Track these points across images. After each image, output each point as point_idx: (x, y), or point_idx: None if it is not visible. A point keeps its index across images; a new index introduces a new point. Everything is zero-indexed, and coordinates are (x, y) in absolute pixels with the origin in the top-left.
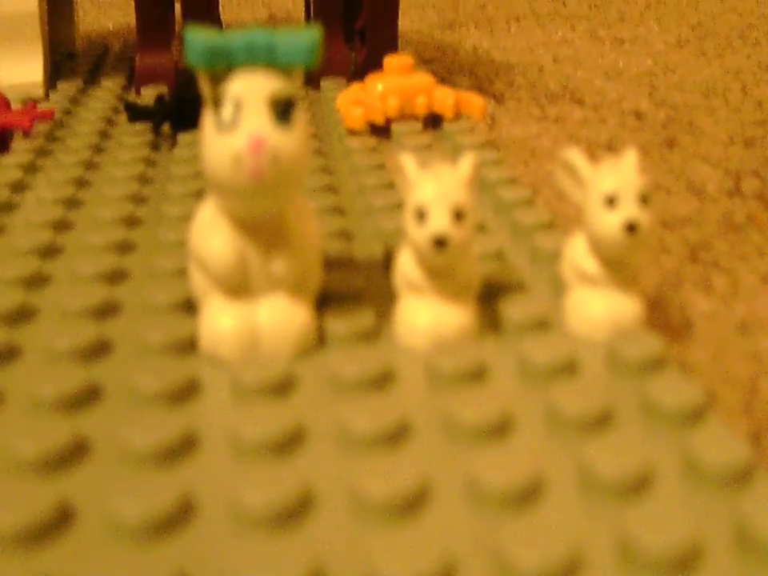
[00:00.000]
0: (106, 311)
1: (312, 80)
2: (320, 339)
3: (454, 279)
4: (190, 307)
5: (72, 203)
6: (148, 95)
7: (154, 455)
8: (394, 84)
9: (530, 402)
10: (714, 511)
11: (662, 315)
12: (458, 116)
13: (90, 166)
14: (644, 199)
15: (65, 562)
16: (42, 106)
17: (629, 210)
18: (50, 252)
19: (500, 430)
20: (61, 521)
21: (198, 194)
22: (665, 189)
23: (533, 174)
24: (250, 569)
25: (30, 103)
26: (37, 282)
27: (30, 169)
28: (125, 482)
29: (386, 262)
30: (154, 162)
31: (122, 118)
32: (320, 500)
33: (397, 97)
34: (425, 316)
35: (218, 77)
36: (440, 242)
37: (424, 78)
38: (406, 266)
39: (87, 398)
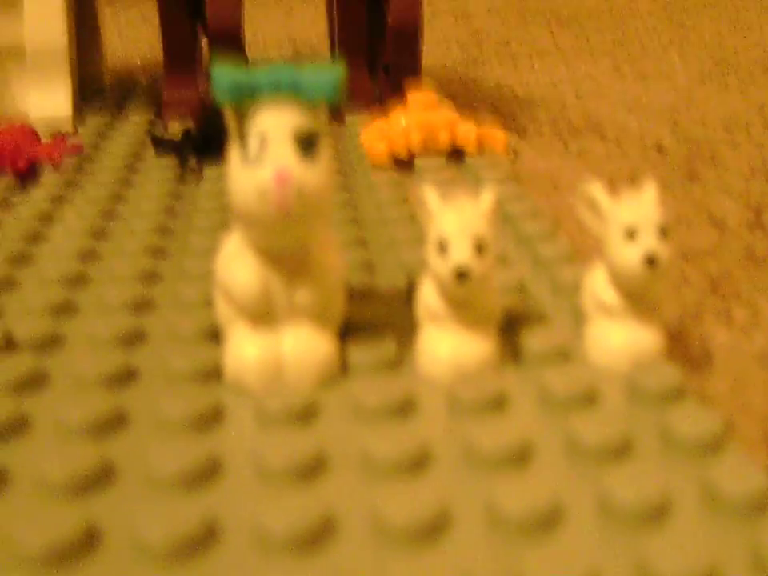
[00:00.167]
0: (133, 339)
1: (336, 114)
2: (343, 368)
3: (475, 310)
4: (214, 336)
5: (100, 234)
6: (175, 129)
7: (179, 480)
8: (418, 119)
9: (549, 430)
10: (732, 540)
11: (681, 346)
12: (480, 150)
13: (117, 198)
14: (663, 232)
15: None
16: (71, 140)
17: (648, 242)
18: (78, 281)
19: (520, 458)
20: (88, 543)
21: (223, 226)
22: (686, 221)
23: (555, 208)
24: None
25: (60, 136)
26: (65, 310)
27: (59, 200)
28: (151, 505)
29: (409, 293)
30: (180, 196)
31: (149, 151)
32: (342, 525)
33: (420, 132)
34: (446, 346)
35: (244, 111)
36: (461, 274)
37: (447, 113)
38: (428, 296)
39: (114, 423)
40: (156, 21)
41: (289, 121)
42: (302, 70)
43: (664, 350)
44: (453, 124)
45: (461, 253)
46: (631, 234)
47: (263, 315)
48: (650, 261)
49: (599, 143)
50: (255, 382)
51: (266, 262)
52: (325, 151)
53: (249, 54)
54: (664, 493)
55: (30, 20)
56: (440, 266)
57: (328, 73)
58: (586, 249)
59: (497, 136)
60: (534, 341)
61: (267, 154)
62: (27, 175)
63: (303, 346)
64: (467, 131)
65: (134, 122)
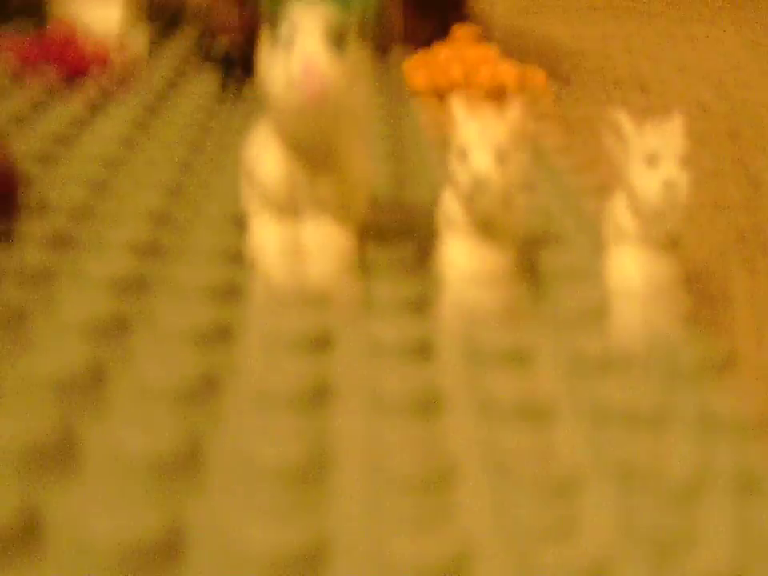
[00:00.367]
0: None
1: (383, 48)
2: (362, 269)
3: (495, 225)
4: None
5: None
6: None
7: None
8: (460, 53)
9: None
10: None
11: (701, 283)
12: (520, 89)
13: (151, 111)
14: (684, 161)
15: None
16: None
17: (669, 170)
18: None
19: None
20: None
21: None
22: (721, 174)
23: (589, 150)
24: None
25: (107, 48)
26: (83, 215)
27: (93, 109)
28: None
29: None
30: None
31: (193, 68)
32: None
33: (461, 65)
34: (462, 252)
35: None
36: (479, 182)
37: (489, 50)
38: (449, 204)
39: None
40: None
41: (321, 13)
42: None
43: (681, 282)
44: (494, 61)
45: (480, 161)
46: (652, 161)
47: (286, 206)
48: (670, 187)
49: (641, 96)
50: (276, 271)
51: (291, 154)
52: (355, 48)
53: None
54: (693, 467)
55: None
56: (460, 174)
57: None
58: (614, 185)
59: (538, 76)
60: (552, 259)
61: (296, 43)
62: (72, 77)
63: (323, 237)
64: (508, 69)
65: (184, 38)
